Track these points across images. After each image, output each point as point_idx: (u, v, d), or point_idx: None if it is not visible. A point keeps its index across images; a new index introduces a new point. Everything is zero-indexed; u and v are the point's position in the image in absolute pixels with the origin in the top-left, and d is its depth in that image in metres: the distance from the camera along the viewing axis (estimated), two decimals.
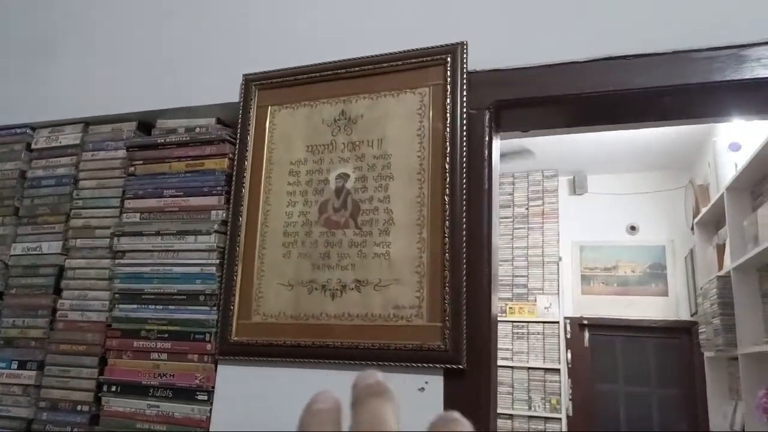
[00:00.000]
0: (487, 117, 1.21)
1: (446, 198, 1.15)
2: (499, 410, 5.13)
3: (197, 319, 1.28)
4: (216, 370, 1.26)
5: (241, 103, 1.36)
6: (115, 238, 1.39)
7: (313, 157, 1.29)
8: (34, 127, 1.59)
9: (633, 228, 5.31)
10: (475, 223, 1.15)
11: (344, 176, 1.26)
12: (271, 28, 1.44)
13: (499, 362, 5.19)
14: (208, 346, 1.26)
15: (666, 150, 4.70)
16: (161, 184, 1.38)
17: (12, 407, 1.40)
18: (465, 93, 1.19)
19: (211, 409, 1.24)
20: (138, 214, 1.39)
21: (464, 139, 1.17)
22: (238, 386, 1.23)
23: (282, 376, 1.20)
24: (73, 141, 1.52)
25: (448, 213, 1.14)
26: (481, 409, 1.08)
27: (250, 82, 1.36)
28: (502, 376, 5.21)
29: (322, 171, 1.28)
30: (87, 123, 1.54)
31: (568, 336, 5.19)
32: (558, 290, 5.23)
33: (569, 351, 5.17)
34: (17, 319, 1.46)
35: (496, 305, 1.20)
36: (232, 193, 1.32)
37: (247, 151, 1.33)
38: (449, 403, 1.08)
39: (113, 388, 1.32)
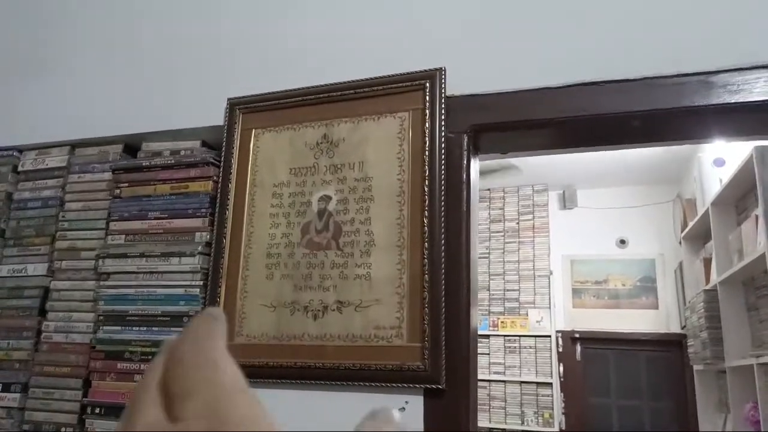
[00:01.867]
0: (465, 140, 1.23)
1: (425, 220, 1.17)
2: (491, 425, 5.12)
3: None
4: None
5: (226, 127, 1.38)
6: (100, 260, 1.40)
7: (296, 180, 1.31)
8: (21, 150, 1.61)
9: (623, 241, 5.35)
10: (454, 244, 1.17)
11: (326, 198, 1.28)
12: (256, 53, 1.46)
13: (492, 376, 5.22)
14: None
15: (654, 165, 4.76)
16: (146, 207, 1.40)
17: None
18: (443, 117, 1.22)
19: None
20: (123, 236, 1.41)
21: (443, 162, 1.20)
22: None
23: (264, 397, 1.20)
24: (60, 163, 1.54)
25: (427, 234, 1.16)
26: (461, 428, 1.09)
27: (234, 105, 1.39)
28: (495, 390, 5.22)
29: (305, 193, 1.30)
30: (73, 145, 1.55)
31: (560, 349, 5.21)
32: (549, 304, 5.25)
33: (561, 364, 5.18)
34: (2, 341, 1.46)
35: (476, 325, 1.22)
36: (216, 215, 1.34)
37: (231, 173, 1.35)
38: (429, 422, 1.10)
39: (97, 410, 1.33)
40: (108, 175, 1.48)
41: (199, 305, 1.30)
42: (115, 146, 1.51)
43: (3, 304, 1.49)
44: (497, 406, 5.21)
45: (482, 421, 5.15)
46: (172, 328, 1.31)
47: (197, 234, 1.34)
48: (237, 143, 1.36)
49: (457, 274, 1.16)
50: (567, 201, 5.60)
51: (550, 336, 5.18)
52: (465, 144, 1.23)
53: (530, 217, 5.57)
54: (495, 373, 5.26)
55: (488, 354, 5.32)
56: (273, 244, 1.29)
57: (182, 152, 1.42)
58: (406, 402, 1.11)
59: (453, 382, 1.10)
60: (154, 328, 1.32)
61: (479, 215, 5.67)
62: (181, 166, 1.39)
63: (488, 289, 5.46)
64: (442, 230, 1.16)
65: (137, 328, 1.34)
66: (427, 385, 1.10)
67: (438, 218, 1.17)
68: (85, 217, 1.48)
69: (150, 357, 1.31)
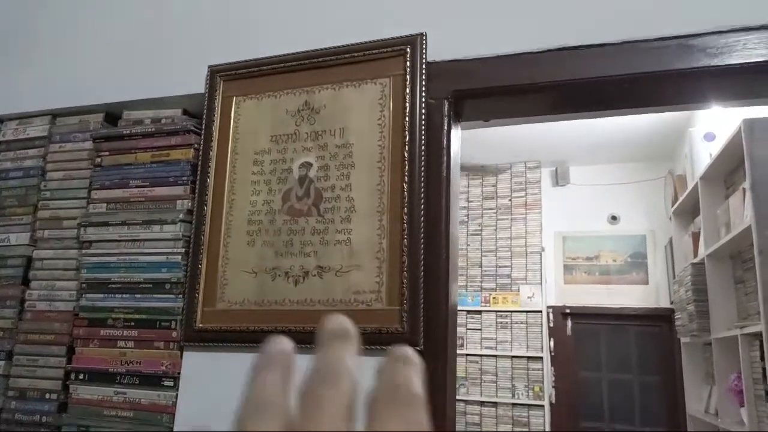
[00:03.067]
0: (446, 107, 1.23)
1: (405, 186, 1.17)
2: (483, 398, 5.19)
3: (163, 307, 1.30)
4: (182, 357, 1.28)
5: (207, 94, 1.37)
6: (82, 229, 1.40)
7: (276, 147, 1.31)
8: (1, 120, 1.60)
9: (614, 218, 5.38)
10: (434, 210, 1.18)
11: (307, 165, 1.28)
12: (237, 20, 1.45)
13: (483, 351, 5.27)
14: (174, 334, 1.28)
15: (646, 141, 4.76)
16: (127, 175, 1.40)
17: None
18: (424, 83, 1.22)
19: (177, 395, 1.26)
20: (104, 205, 1.41)
21: (423, 128, 1.20)
22: (203, 372, 1.25)
23: (245, 361, 1.22)
24: (41, 133, 1.53)
25: (406, 200, 1.17)
26: (439, 388, 1.10)
27: (215, 73, 1.38)
28: (486, 364, 5.27)
29: (286, 160, 1.30)
30: (54, 115, 1.54)
31: (551, 325, 5.26)
32: (541, 280, 5.29)
33: (552, 339, 5.24)
34: None
35: (455, 289, 1.23)
36: (197, 182, 1.33)
37: (212, 141, 1.34)
38: None
39: (81, 376, 1.34)
40: (89, 144, 1.47)
41: (181, 272, 1.31)
42: (96, 115, 1.50)
43: None
44: (489, 380, 5.27)
45: (474, 395, 5.22)
46: (155, 295, 1.32)
47: (179, 202, 1.34)
48: (218, 111, 1.35)
49: (437, 239, 1.16)
50: (559, 178, 5.60)
51: (541, 311, 5.22)
52: (446, 110, 1.23)
53: (523, 194, 5.58)
54: (487, 348, 5.32)
55: (480, 329, 5.38)
56: (254, 211, 1.29)
57: (163, 120, 1.41)
58: None
59: (431, 344, 1.11)
60: (136, 295, 1.33)
61: (472, 192, 5.70)
62: (161, 134, 1.38)
63: (480, 266, 5.50)
64: (422, 196, 1.17)
65: (120, 296, 1.34)
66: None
67: (417, 184, 1.17)
68: (67, 186, 1.47)
69: (132, 323, 1.32)
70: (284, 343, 0.31)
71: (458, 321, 4.94)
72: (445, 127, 1.22)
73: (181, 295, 1.29)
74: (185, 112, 1.44)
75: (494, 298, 5.42)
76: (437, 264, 1.15)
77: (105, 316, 1.35)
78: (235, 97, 1.36)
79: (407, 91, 1.21)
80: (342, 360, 0.29)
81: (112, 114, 1.51)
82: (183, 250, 1.31)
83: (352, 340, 0.31)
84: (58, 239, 1.45)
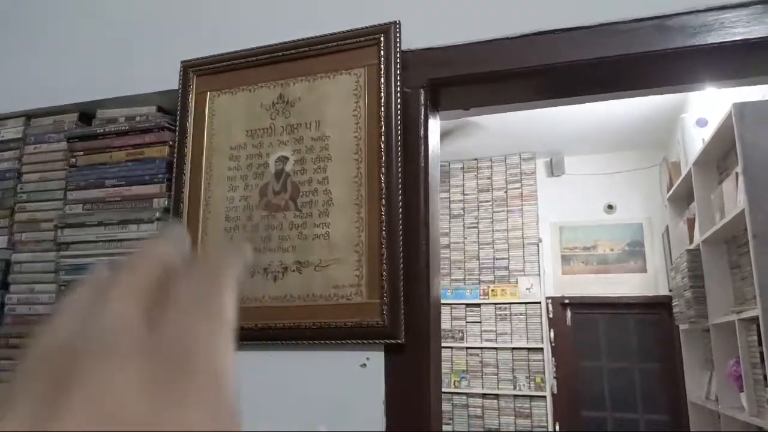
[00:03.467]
0: (423, 95, 1.21)
1: (382, 177, 1.15)
2: (484, 390, 5.19)
3: None
4: None
5: (180, 90, 1.35)
6: (59, 230, 1.38)
7: (252, 141, 1.29)
8: None
9: (610, 207, 5.36)
10: (412, 201, 1.15)
11: (283, 159, 1.25)
12: (209, 13, 1.42)
13: (484, 344, 5.26)
14: None
15: (640, 129, 4.73)
16: (103, 174, 1.37)
17: None
18: (399, 72, 1.19)
19: None
20: (81, 206, 1.39)
21: (399, 118, 1.18)
22: None
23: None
24: (15, 135, 1.51)
25: (384, 191, 1.15)
26: (422, 382, 1.09)
27: (188, 68, 1.36)
28: (487, 357, 5.27)
29: (262, 155, 1.27)
30: (28, 116, 1.52)
31: (551, 315, 5.24)
32: (539, 271, 5.28)
33: (552, 330, 5.23)
34: None
35: (438, 281, 1.21)
36: (173, 180, 1.31)
37: (186, 137, 1.32)
38: (391, 378, 1.09)
39: None
40: (64, 145, 1.45)
41: None
42: (70, 115, 1.48)
43: None
44: (490, 373, 5.27)
45: (475, 388, 5.22)
46: None
47: (155, 200, 1.32)
48: (192, 106, 1.33)
49: (416, 231, 1.14)
50: (554, 168, 5.58)
51: (540, 303, 5.22)
52: (422, 99, 1.20)
53: (518, 185, 5.56)
54: (487, 340, 5.32)
55: (479, 322, 5.37)
56: (231, 207, 1.27)
57: (137, 118, 1.39)
58: (367, 358, 1.11)
59: (413, 337, 1.09)
60: None
61: (467, 185, 5.67)
62: (135, 132, 1.36)
63: (478, 259, 5.49)
64: (399, 187, 1.14)
65: None
66: (387, 341, 1.09)
67: (395, 175, 1.15)
68: (44, 188, 1.45)
69: None
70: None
71: (457, 314, 4.92)
72: (422, 117, 1.20)
73: None
74: (160, 109, 1.41)
75: (493, 290, 5.41)
76: (417, 256, 1.13)
77: None
78: (209, 92, 1.34)
79: (382, 80, 1.19)
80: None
81: (86, 113, 1.49)
82: None
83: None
84: (37, 242, 1.43)
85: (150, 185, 1.33)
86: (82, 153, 1.41)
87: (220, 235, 1.26)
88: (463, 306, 5.43)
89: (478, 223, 5.58)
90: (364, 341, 1.10)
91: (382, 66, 1.20)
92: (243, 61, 1.31)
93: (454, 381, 5.33)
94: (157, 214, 1.30)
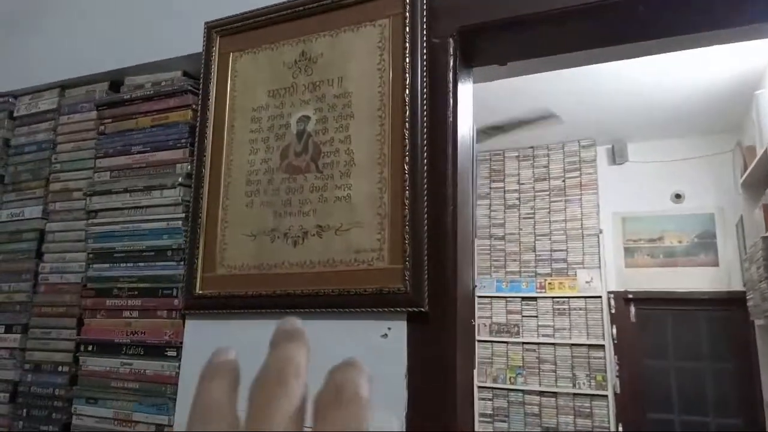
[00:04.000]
0: (452, 45, 1.11)
1: (406, 133, 1.07)
2: (542, 387, 5.01)
3: (165, 275, 1.25)
4: (184, 326, 1.22)
5: (204, 52, 1.31)
6: (88, 198, 1.37)
7: (274, 102, 1.23)
8: (16, 95, 1.60)
9: (678, 196, 5.04)
10: (438, 158, 1.06)
11: (305, 119, 1.19)
12: None
13: (540, 339, 5.07)
14: (176, 302, 1.23)
15: (710, 111, 4.41)
16: (129, 141, 1.36)
17: (0, 370, 1.41)
18: (426, 21, 1.10)
19: (179, 365, 1.21)
20: (108, 173, 1.37)
21: (425, 69, 1.09)
22: (204, 340, 1.19)
23: (246, 327, 1.15)
24: (51, 106, 1.52)
25: (408, 149, 1.06)
26: (447, 353, 0.99)
27: (211, 29, 1.31)
28: (544, 353, 5.08)
29: (284, 115, 1.21)
30: (63, 87, 1.53)
31: (613, 311, 4.99)
32: (599, 264, 5.03)
33: (614, 326, 4.97)
34: (4, 284, 1.47)
35: (469, 248, 1.12)
36: (196, 144, 1.27)
37: (209, 100, 1.28)
38: (413, 349, 1.01)
39: (89, 348, 1.31)
40: (95, 114, 1.44)
41: (182, 238, 1.25)
42: (101, 84, 1.47)
43: (4, 248, 1.50)
44: (547, 369, 5.07)
45: (532, 384, 5.05)
46: (157, 263, 1.27)
47: (178, 165, 1.28)
48: (215, 68, 1.29)
49: (442, 191, 1.05)
50: (616, 156, 5.30)
51: (601, 297, 4.97)
52: (451, 49, 1.11)
53: (577, 174, 5.32)
54: (544, 335, 5.12)
55: (536, 316, 5.18)
56: (252, 171, 1.22)
57: (163, 83, 1.36)
58: (389, 328, 1.03)
59: (438, 305, 1.00)
60: (140, 264, 1.29)
61: (523, 174, 5.47)
62: (160, 97, 1.33)
63: (534, 250, 5.30)
64: (425, 145, 1.06)
65: (124, 265, 1.30)
66: (410, 309, 1.01)
67: (420, 131, 1.06)
68: (76, 158, 1.45)
69: (136, 293, 1.28)
70: (229, 353, 0.33)
71: (513, 308, 4.77)
72: (451, 69, 1.10)
73: (182, 262, 1.24)
74: (185, 74, 1.38)
75: (550, 283, 5.21)
76: (443, 218, 1.04)
77: (110, 287, 1.31)
78: (231, 53, 1.29)
79: (407, 30, 1.10)
80: (291, 360, 0.30)
81: (116, 82, 1.48)
82: (183, 215, 1.26)
83: (303, 339, 0.32)
84: (69, 211, 1.43)
85: (173, 150, 1.30)
86: (110, 120, 1.40)
87: (241, 199, 1.21)
88: (519, 299, 5.26)
89: (534, 213, 5.38)
90: (386, 309, 1.02)
91: (407, 14, 1.11)
92: (265, 18, 1.26)
93: (510, 377, 5.17)
94: (180, 179, 1.27)
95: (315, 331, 1.04)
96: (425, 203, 1.03)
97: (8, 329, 1.43)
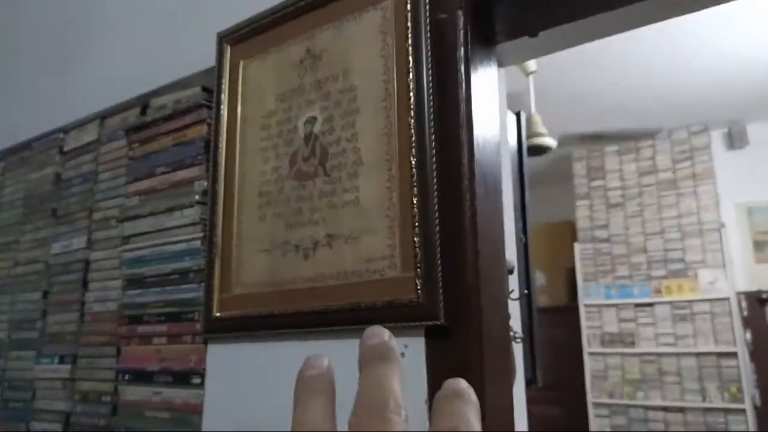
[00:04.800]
0: (461, 20, 0.96)
1: (411, 121, 0.93)
2: (666, 403, 4.54)
3: (187, 299, 1.20)
4: (206, 350, 1.16)
5: (216, 64, 1.26)
6: (121, 225, 1.37)
7: (282, 106, 1.14)
8: (66, 130, 1.65)
9: None
10: (450, 148, 0.91)
11: (312, 120, 1.09)
12: None
13: (661, 348, 4.60)
14: (198, 326, 1.16)
15: None
16: (154, 163, 1.33)
17: (54, 401, 1.43)
18: None
19: (204, 392, 1.14)
20: (137, 197, 1.36)
21: (429, 51, 0.95)
22: (224, 365, 1.11)
23: (265, 349, 1.06)
24: (92, 137, 1.54)
25: (414, 141, 0.92)
26: (472, 372, 0.83)
27: (222, 39, 1.26)
28: (666, 364, 4.62)
29: (291, 119, 1.12)
30: (102, 117, 1.55)
31: (745, 314, 4.44)
32: (723, 261, 4.49)
33: (748, 330, 4.40)
34: (58, 316, 1.50)
35: (496, 245, 0.95)
36: (210, 159, 1.21)
37: (221, 112, 1.22)
38: (434, 369, 0.86)
39: (126, 377, 1.29)
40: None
41: (202, 259, 1.19)
42: (134, 110, 1.47)
43: (57, 280, 1.53)
44: (671, 382, 4.59)
45: (654, 399, 4.60)
46: (182, 286, 1.22)
47: (196, 183, 1.23)
48: (226, 78, 1.23)
49: (455, 186, 0.90)
50: (735, 139, 4.77)
51: (728, 298, 4.42)
52: (460, 23, 0.96)
53: (689, 163, 4.82)
54: (664, 344, 4.64)
55: (653, 324, 4.73)
56: (264, 182, 1.13)
57: (183, 101, 1.32)
58: (405, 346, 0.89)
59: (456, 316, 0.85)
60: (167, 288, 1.24)
61: (625, 169, 5.03)
62: (178, 115, 1.29)
63: (645, 251, 4.85)
64: (432, 134, 0.91)
65: (153, 290, 1.27)
66: (426, 322, 0.86)
67: (426, 118, 0.92)
68: (113, 185, 1.45)
69: (163, 318, 1.23)
70: (321, 363, 0.30)
71: (625, 316, 4.40)
72: (462, 46, 0.95)
73: (202, 284, 1.18)
74: (204, 89, 1.34)
75: (666, 286, 4.73)
76: (458, 214, 0.89)
77: (141, 313, 1.28)
78: (242, 61, 1.22)
79: (408, 7, 0.97)
80: (389, 390, 0.27)
81: (146, 105, 1.47)
82: (202, 234, 1.20)
83: (395, 357, 0.29)
84: (108, 239, 1.43)
85: (191, 168, 1.25)
86: (138, 144, 1.38)
87: (254, 212, 1.13)
88: (632, 306, 4.83)
89: (642, 211, 4.94)
90: (400, 324, 0.88)
91: None
92: (270, 19, 1.18)
93: (628, 392, 4.75)
94: (197, 197, 1.21)
95: (327, 354, 0.92)
96: (435, 201, 0.89)
97: (62, 360, 1.45)
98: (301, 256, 1.03)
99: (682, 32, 3.28)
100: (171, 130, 1.31)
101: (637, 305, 4.82)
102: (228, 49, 1.24)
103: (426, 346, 0.87)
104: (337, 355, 0.91)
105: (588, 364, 4.88)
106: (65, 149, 1.63)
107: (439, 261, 0.86)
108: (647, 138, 4.95)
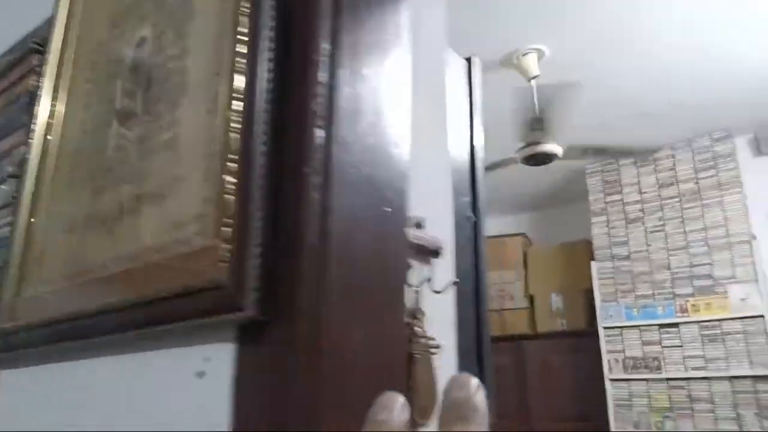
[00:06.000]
0: None
1: (240, 19, 0.61)
2: None
3: None
4: None
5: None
6: None
7: (114, 32, 0.83)
8: None
9: None
10: (297, 66, 0.59)
11: (141, 42, 0.77)
12: None
13: (690, 373, 4.19)
14: None
15: None
16: None
17: None
18: None
19: None
20: None
21: None
22: (12, 394, 0.78)
23: (56, 377, 0.72)
24: None
25: (249, 41, 0.60)
26: (301, 400, 0.48)
27: None
28: (697, 390, 4.20)
29: (121, 47, 0.81)
30: None
31: None
32: (755, 276, 4.11)
33: None
34: None
35: (387, 201, 0.61)
36: (33, 118, 0.90)
37: (50, 55, 0.91)
38: (243, 396, 0.51)
39: None
40: None
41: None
42: None
43: None
44: (703, 410, 4.15)
45: (685, 428, 4.16)
46: None
47: (14, 152, 0.92)
48: (58, 11, 0.93)
49: (299, 107, 0.56)
50: (762, 145, 4.41)
51: (762, 316, 4.03)
52: None
53: (713, 172, 4.52)
54: (693, 369, 4.22)
55: (681, 346, 4.35)
56: (82, 136, 0.82)
57: (16, 52, 1.03)
58: (206, 359, 0.54)
59: (284, 306, 0.50)
60: None
61: (644, 182, 4.67)
62: (7, 72, 1.00)
63: (668, 268, 4.51)
64: (271, 40, 0.59)
65: None
66: (231, 316, 0.51)
67: (264, 21, 0.59)
68: None
69: None
70: (393, 409, 0.26)
71: (649, 338, 3.99)
72: None
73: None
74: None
75: (693, 305, 4.37)
76: (299, 153, 0.55)
77: None
78: None
79: None
80: None
81: None
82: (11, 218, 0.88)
83: (480, 422, 0.24)
84: None
85: (16, 134, 0.94)
86: None
87: (65, 179, 0.80)
88: (656, 327, 4.49)
89: (664, 225, 4.63)
90: (197, 323, 0.54)
91: None
92: None
93: (656, 422, 4.36)
94: (10, 169, 0.90)
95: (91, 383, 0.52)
96: (266, 125, 0.55)
97: None
98: (105, 231, 0.70)
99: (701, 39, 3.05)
100: (1, 90, 1.01)
101: (662, 326, 4.49)
102: None
103: (237, 359, 0.52)
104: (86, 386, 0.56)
105: (610, 391, 4.52)
106: None
107: (260, 216, 0.52)
108: (667, 147, 4.67)
